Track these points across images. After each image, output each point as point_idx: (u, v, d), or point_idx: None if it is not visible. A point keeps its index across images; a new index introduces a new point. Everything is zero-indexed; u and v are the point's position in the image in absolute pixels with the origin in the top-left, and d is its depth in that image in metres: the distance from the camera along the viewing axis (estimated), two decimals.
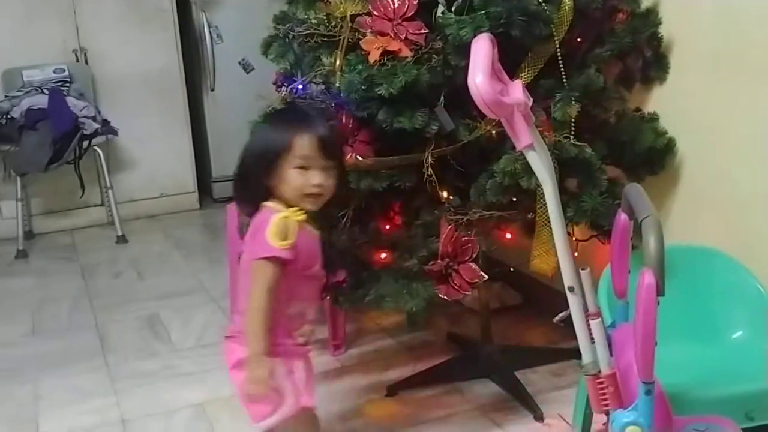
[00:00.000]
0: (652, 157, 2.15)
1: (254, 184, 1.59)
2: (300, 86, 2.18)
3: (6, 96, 3.86)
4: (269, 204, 1.59)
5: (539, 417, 2.16)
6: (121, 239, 3.93)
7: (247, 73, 4.14)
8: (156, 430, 2.22)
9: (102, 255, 3.76)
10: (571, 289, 1.30)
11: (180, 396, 2.38)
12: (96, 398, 2.40)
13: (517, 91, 1.19)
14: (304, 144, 1.55)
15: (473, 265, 1.90)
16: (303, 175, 1.56)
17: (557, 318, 1.47)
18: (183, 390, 2.41)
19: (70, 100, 3.81)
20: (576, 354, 2.42)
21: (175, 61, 4.36)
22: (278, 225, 1.53)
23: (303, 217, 1.57)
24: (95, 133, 3.85)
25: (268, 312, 1.53)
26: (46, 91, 3.81)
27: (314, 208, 1.60)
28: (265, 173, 1.57)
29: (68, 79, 3.97)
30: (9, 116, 3.74)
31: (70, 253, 3.84)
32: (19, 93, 3.84)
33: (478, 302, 2.49)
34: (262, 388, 1.54)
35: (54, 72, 3.95)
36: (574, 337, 2.31)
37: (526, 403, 2.21)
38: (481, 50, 1.16)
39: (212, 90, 4.47)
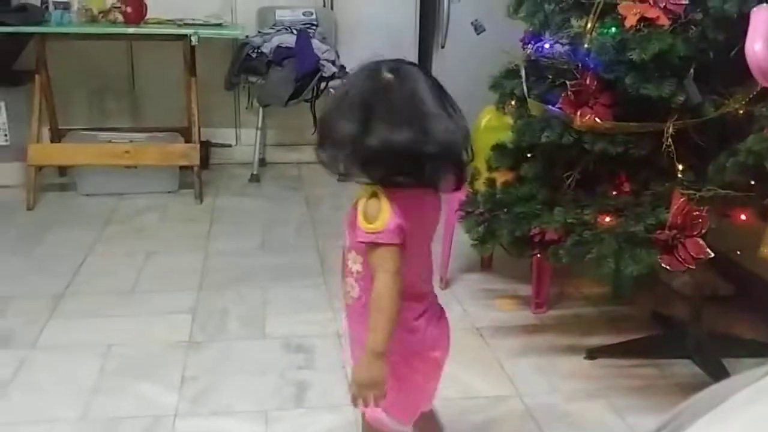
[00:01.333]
0: None
1: None
2: (546, 45, 2.25)
3: (259, 32, 4.20)
4: None
5: None
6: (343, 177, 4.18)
7: (478, 34, 4.24)
8: None
9: (325, 189, 4.02)
10: None
11: None
12: (316, 311, 2.64)
13: None
14: None
15: (700, 241, 1.89)
16: None
17: None
18: None
19: (315, 42, 4.09)
20: None
21: (412, 16, 4.54)
22: None
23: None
24: (333, 76, 4.09)
25: None
26: (294, 31, 4.11)
27: None
28: None
29: (314, 22, 4.25)
30: (260, 51, 4.07)
31: (297, 183, 4.16)
32: (271, 31, 4.16)
33: (690, 286, 2.47)
34: None
35: (303, 14, 4.25)
36: None
37: None
38: (763, 19, 1.18)
39: (442, 47, 4.60)
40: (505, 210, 2.25)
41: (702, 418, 0.30)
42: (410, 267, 1.41)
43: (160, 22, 3.84)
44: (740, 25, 1.78)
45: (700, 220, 1.90)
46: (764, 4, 1.23)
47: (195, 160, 3.77)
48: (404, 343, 1.45)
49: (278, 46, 4.05)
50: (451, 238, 2.85)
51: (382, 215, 1.35)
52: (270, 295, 2.76)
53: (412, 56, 4.60)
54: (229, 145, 4.44)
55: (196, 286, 2.82)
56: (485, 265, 3.06)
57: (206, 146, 4.24)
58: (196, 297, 2.74)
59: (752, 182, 1.95)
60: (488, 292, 2.87)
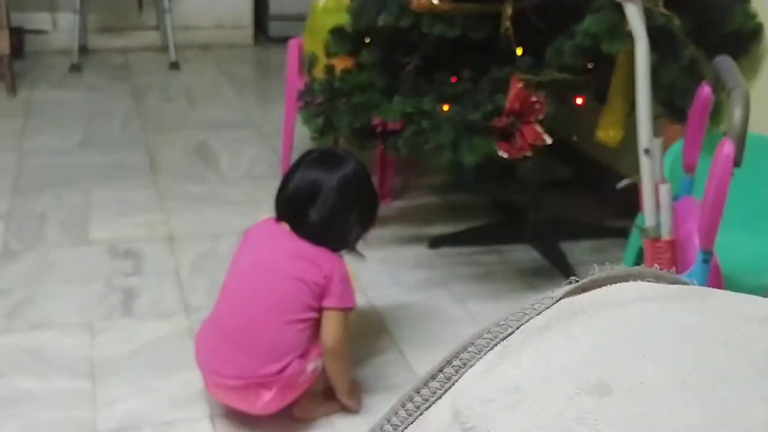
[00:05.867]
0: (737, 40, 2.05)
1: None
2: None
3: None
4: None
5: None
6: (174, 65, 3.91)
7: None
8: (201, 250, 2.27)
9: (154, 78, 3.75)
10: (646, 151, 1.27)
11: (227, 222, 2.42)
12: (144, 213, 2.46)
13: None
14: None
15: (538, 127, 1.86)
16: None
17: (621, 184, 1.44)
18: (230, 216, 2.45)
19: None
20: (621, 233, 2.44)
21: None
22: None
23: None
24: None
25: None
26: None
27: None
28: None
29: None
30: None
31: (123, 73, 3.84)
32: None
33: (530, 172, 2.48)
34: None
35: None
36: (621, 215, 2.29)
37: (565, 271, 2.23)
38: None
39: None
40: (344, 100, 2.13)
41: (492, 351, 0.26)
42: None
43: None
44: None
45: (537, 106, 1.86)
46: None
47: (4, 48, 3.38)
48: None
49: None
50: (292, 131, 2.71)
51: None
52: (93, 198, 2.54)
53: None
54: (45, 32, 4.01)
55: (9, 190, 2.56)
56: None
57: (18, 33, 3.81)
58: (9, 202, 2.48)
59: (590, 65, 1.93)
60: None
